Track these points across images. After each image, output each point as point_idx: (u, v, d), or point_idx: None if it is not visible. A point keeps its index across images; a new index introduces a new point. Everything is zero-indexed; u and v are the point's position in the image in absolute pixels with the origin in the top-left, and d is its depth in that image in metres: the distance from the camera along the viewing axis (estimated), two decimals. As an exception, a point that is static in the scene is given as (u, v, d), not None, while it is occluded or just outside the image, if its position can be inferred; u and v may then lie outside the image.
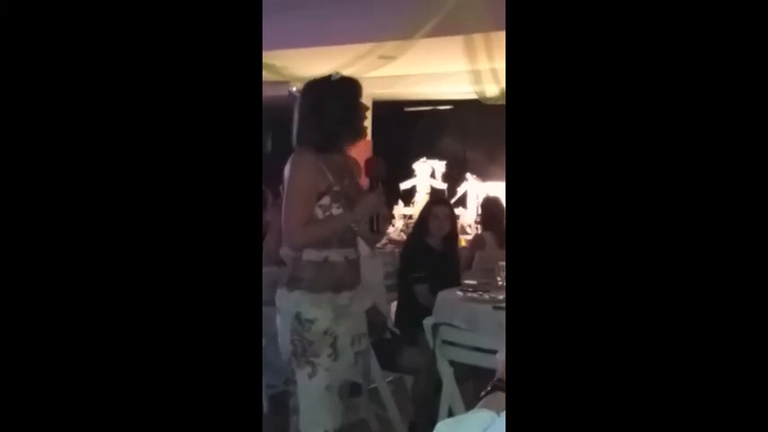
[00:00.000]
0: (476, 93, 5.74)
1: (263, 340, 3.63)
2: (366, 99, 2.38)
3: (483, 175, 6.82)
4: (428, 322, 3.10)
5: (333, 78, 2.35)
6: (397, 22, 4.70)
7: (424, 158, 7.11)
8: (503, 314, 2.35)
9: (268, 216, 4.66)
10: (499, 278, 3.25)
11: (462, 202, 6.58)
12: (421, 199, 6.72)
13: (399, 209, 6.54)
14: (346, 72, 2.50)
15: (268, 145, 9.81)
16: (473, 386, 3.11)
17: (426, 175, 7.01)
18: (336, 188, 2.26)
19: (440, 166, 7.08)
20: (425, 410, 3.25)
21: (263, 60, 5.51)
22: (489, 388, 1.23)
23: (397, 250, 4.90)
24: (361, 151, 2.51)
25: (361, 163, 2.43)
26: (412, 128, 8.14)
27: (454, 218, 3.97)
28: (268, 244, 4.24)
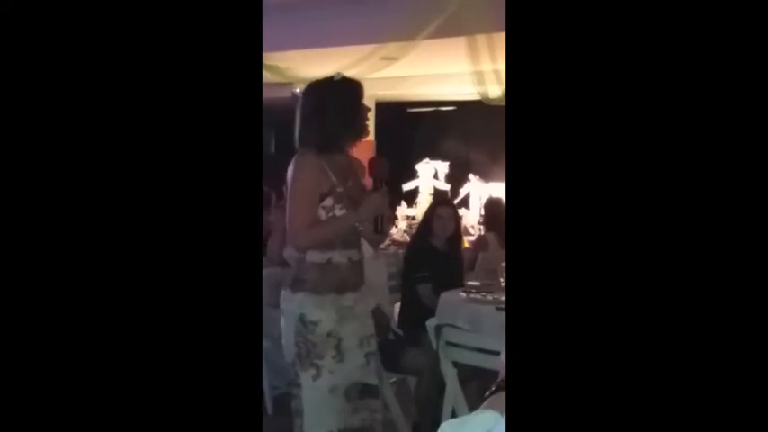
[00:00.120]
0: (479, 94, 5.74)
1: (267, 342, 3.66)
2: (369, 100, 2.39)
3: (486, 176, 6.82)
4: (431, 323, 3.10)
5: (335, 79, 2.35)
6: (400, 24, 4.71)
7: (427, 159, 7.11)
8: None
9: (271, 217, 4.66)
10: (502, 279, 3.25)
11: (465, 203, 6.58)
12: (424, 200, 6.72)
13: (402, 210, 6.54)
14: (349, 73, 2.50)
15: (271, 146, 9.82)
16: (476, 387, 3.11)
17: (429, 176, 7.00)
18: (339, 189, 2.26)
19: (443, 167, 7.08)
20: (429, 411, 3.25)
21: (267, 62, 5.52)
22: (493, 389, 1.23)
23: (400, 251, 4.90)
24: (364, 152, 2.51)
25: (365, 163, 2.43)
26: (415, 129, 8.15)
27: (458, 219, 3.97)
28: (271, 245, 4.25)
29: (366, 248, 2.46)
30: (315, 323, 2.24)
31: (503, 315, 2.75)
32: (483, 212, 5.71)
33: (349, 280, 2.30)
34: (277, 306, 2.40)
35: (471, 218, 6.35)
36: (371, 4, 5.00)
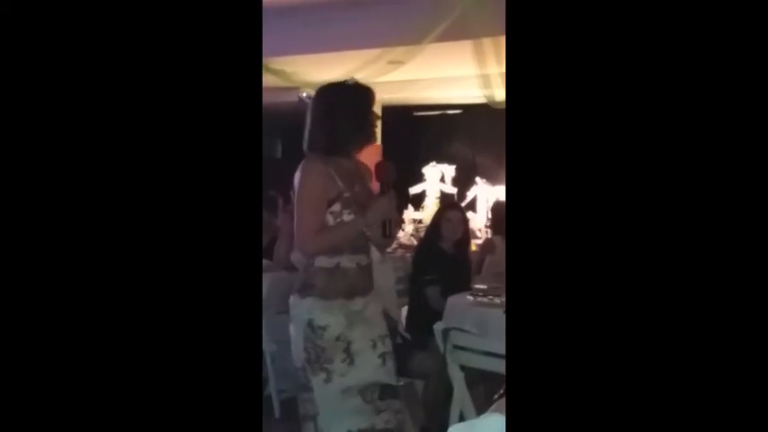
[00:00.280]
0: (485, 97, 5.74)
1: (274, 346, 3.67)
2: (375, 104, 2.39)
3: (492, 179, 6.82)
4: (438, 327, 3.10)
5: (347, 84, 2.35)
6: (406, 28, 4.71)
7: (434, 163, 7.11)
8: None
9: (278, 221, 4.67)
10: (509, 282, 3.24)
11: (472, 206, 6.58)
12: (431, 203, 6.73)
13: (409, 213, 6.54)
14: (355, 77, 2.51)
15: (278, 150, 9.84)
16: (484, 391, 3.11)
17: (436, 179, 7.01)
18: (347, 194, 2.25)
19: (449, 170, 7.08)
20: (436, 415, 3.25)
21: (273, 66, 5.54)
22: (501, 392, 1.23)
23: (407, 255, 4.91)
24: (370, 156, 2.51)
25: (372, 168, 2.43)
26: (421, 132, 8.16)
27: (467, 222, 3.97)
28: (278, 249, 4.25)
29: (373, 252, 2.46)
30: (323, 328, 2.23)
31: (510, 318, 2.75)
32: (490, 215, 5.70)
33: (358, 285, 2.30)
34: (283, 311, 2.39)
35: (478, 221, 6.35)
36: (378, 9, 5.01)
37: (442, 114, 8.51)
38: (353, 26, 5.18)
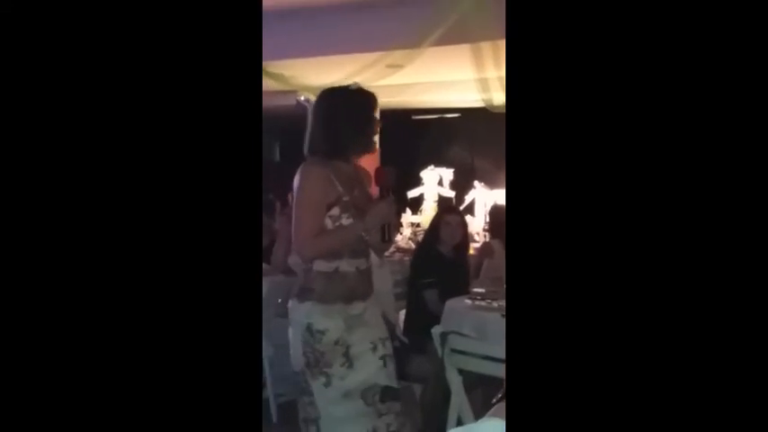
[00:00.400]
0: (483, 101, 5.75)
1: (271, 350, 3.66)
2: (377, 109, 2.39)
3: (491, 183, 6.82)
4: (436, 331, 3.09)
5: (350, 88, 2.35)
6: (405, 31, 4.72)
7: (432, 166, 7.11)
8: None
9: (276, 225, 4.67)
10: (507, 286, 3.24)
11: (470, 209, 6.57)
12: (429, 207, 6.72)
13: (407, 217, 6.54)
14: (354, 81, 2.51)
15: (276, 153, 9.85)
16: (482, 395, 3.10)
17: (434, 183, 7.01)
18: (346, 198, 2.25)
19: (447, 173, 7.08)
20: (434, 419, 3.24)
21: (271, 70, 5.54)
22: (499, 396, 1.22)
23: (405, 258, 4.90)
24: (369, 160, 2.51)
25: (371, 172, 2.43)
26: (419, 136, 8.16)
27: (465, 226, 3.98)
28: (276, 253, 4.25)
29: (371, 256, 2.46)
30: (322, 332, 2.23)
31: (508, 322, 2.74)
32: (488, 219, 5.70)
33: (357, 289, 2.29)
34: (281, 315, 2.39)
35: (476, 225, 6.35)
36: (376, 12, 5.02)
37: (441, 118, 8.51)
38: (352, 30, 5.18)
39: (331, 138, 2.28)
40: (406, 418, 2.40)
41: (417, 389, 3.48)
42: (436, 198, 6.90)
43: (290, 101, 6.27)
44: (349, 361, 2.24)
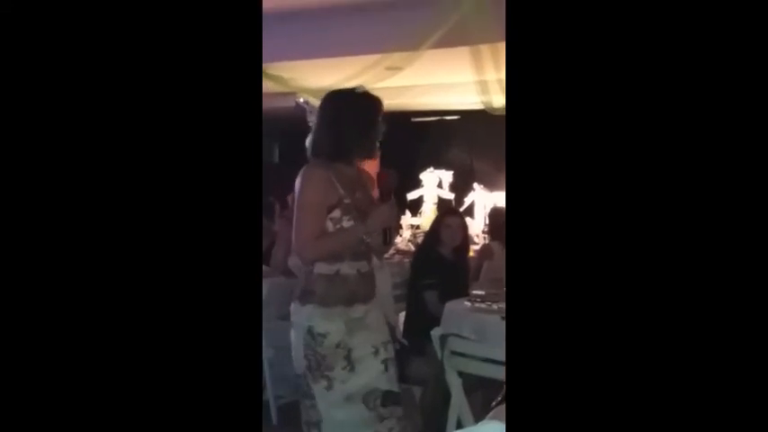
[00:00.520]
0: (482, 103, 5.75)
1: (271, 351, 3.66)
2: (382, 113, 2.38)
3: (490, 185, 6.82)
4: (436, 333, 3.09)
5: (357, 91, 2.35)
6: (404, 34, 4.72)
7: (432, 168, 7.11)
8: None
9: (275, 227, 4.67)
10: (507, 288, 3.23)
11: (470, 212, 6.57)
12: (428, 209, 6.72)
13: (407, 219, 6.53)
14: (353, 83, 2.51)
15: (275, 156, 9.84)
16: (481, 397, 3.10)
17: (433, 185, 7.01)
18: (347, 201, 2.25)
19: (447, 176, 7.08)
20: (434, 422, 3.24)
21: (271, 72, 5.54)
22: (499, 399, 1.22)
23: (405, 260, 4.90)
24: (369, 162, 2.51)
25: (373, 175, 2.43)
26: (419, 138, 8.15)
27: (466, 228, 3.98)
28: (276, 255, 4.25)
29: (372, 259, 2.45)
30: (323, 335, 2.22)
31: (508, 324, 2.74)
32: (488, 221, 5.70)
33: (358, 292, 2.29)
34: (284, 317, 2.38)
35: (476, 227, 6.35)
36: (375, 14, 5.02)
37: (440, 120, 8.51)
38: (351, 32, 5.18)
39: (335, 140, 2.28)
40: (406, 422, 2.39)
41: (417, 391, 3.48)
42: (436, 200, 6.90)
43: (290, 103, 6.26)
44: (350, 364, 2.23)
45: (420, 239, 5.21)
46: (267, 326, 3.67)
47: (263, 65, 5.30)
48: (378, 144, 2.38)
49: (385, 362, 2.30)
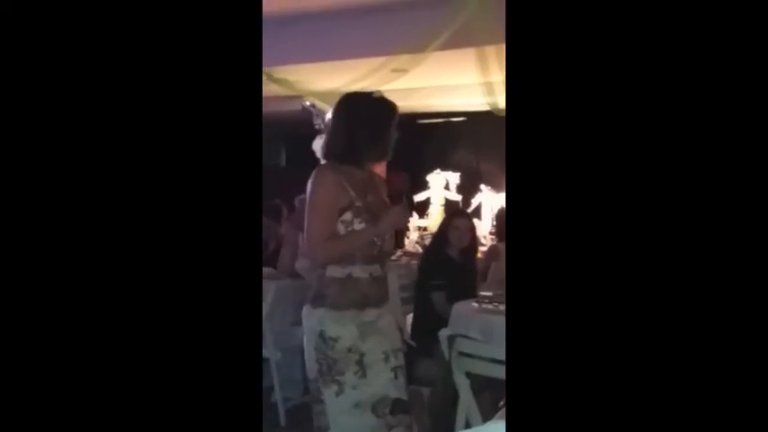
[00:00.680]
0: (488, 104, 5.75)
1: (279, 354, 3.67)
2: (396, 118, 2.39)
3: (497, 187, 6.82)
4: (444, 334, 3.09)
5: (373, 95, 2.35)
6: (410, 36, 4.72)
7: (438, 170, 7.12)
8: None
9: (282, 229, 4.68)
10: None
11: (477, 213, 6.57)
12: (435, 211, 6.73)
13: (414, 220, 6.54)
14: (359, 86, 2.51)
15: (282, 158, 9.85)
16: (489, 398, 3.10)
17: (440, 186, 7.01)
18: (358, 203, 2.24)
19: (454, 177, 7.09)
20: (442, 423, 3.24)
21: (276, 75, 5.55)
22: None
23: (412, 262, 4.90)
24: (377, 165, 2.52)
25: (385, 178, 2.43)
26: (425, 140, 8.15)
27: (474, 230, 3.98)
28: (283, 257, 4.26)
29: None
30: (335, 339, 2.21)
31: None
32: (494, 222, 5.70)
33: (371, 295, 2.27)
34: (296, 323, 2.37)
35: (483, 228, 6.35)
36: (381, 17, 5.03)
37: (446, 122, 8.51)
38: (357, 35, 5.19)
39: (348, 143, 2.28)
40: (414, 424, 2.39)
41: (425, 392, 3.48)
42: (443, 202, 6.90)
43: (296, 106, 6.27)
44: (362, 369, 2.22)
45: (427, 241, 5.21)
46: (275, 328, 3.69)
47: (269, 68, 5.32)
48: (389, 149, 2.38)
49: (394, 369, 2.29)
